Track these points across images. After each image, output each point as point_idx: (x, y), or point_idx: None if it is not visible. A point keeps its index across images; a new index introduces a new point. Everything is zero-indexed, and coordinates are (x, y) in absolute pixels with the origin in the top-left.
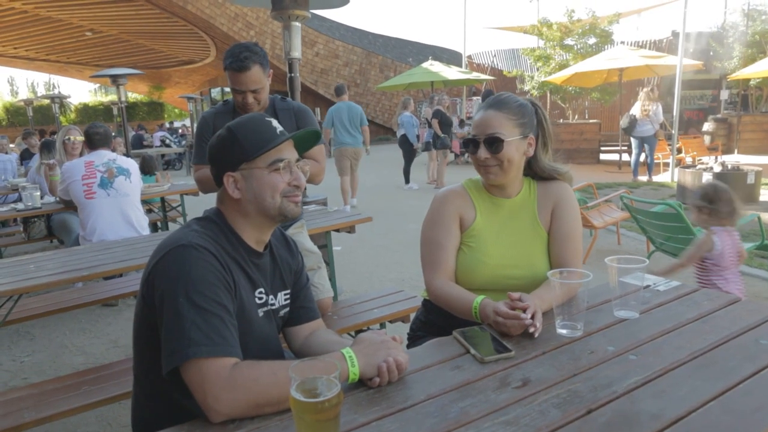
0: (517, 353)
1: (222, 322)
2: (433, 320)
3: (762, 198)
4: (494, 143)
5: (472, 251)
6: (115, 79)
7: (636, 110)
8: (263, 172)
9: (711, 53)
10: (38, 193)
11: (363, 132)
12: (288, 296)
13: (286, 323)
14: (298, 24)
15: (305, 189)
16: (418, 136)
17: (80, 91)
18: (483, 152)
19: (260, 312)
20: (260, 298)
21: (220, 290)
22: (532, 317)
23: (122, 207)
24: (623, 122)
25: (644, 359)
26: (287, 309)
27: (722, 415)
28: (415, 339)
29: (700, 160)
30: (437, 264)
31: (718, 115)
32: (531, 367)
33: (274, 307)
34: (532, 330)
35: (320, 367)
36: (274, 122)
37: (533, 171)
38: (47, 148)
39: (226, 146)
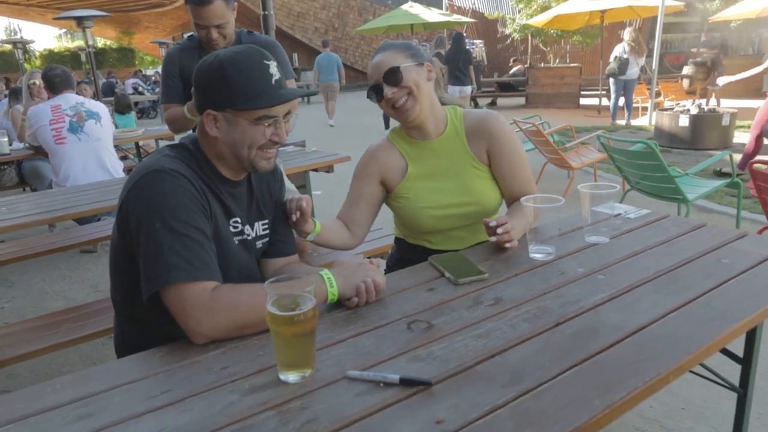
0: (490, 276)
1: (200, 246)
2: (407, 257)
3: (736, 140)
4: (392, 75)
5: (409, 201)
6: (80, 21)
7: (620, 51)
8: (246, 124)
9: None
10: (6, 139)
11: (339, 72)
12: (266, 226)
13: (262, 255)
14: None
15: None
16: None
17: (45, 37)
18: (388, 90)
19: (236, 240)
20: (235, 227)
21: (196, 215)
22: (499, 226)
23: (95, 151)
24: (612, 66)
25: (612, 278)
26: (266, 239)
27: (681, 324)
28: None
29: (678, 103)
30: (345, 219)
31: (698, 59)
32: (503, 288)
33: (249, 237)
34: (505, 240)
35: (296, 284)
36: (272, 66)
37: None
38: (16, 95)
39: (214, 82)
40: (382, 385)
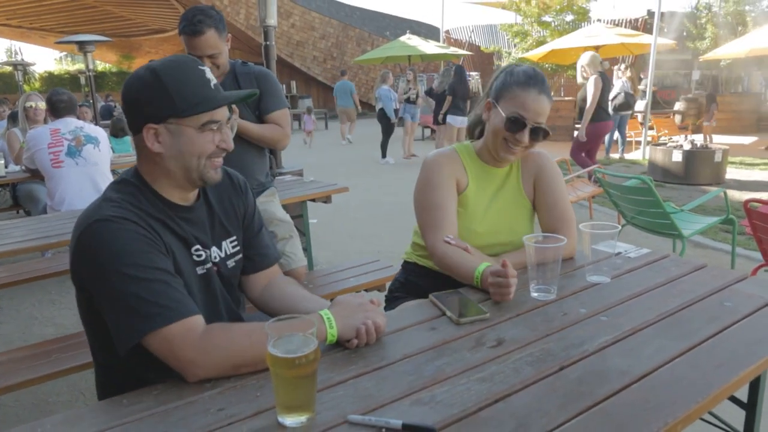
0: (492, 315)
1: (167, 285)
2: (413, 280)
3: (728, 176)
4: (541, 134)
5: (461, 219)
6: (82, 45)
7: (626, 86)
8: (193, 132)
9: (684, 33)
10: (2, 162)
11: (353, 97)
12: (235, 242)
13: (243, 272)
14: None
15: (281, 159)
16: (396, 111)
17: (45, 59)
18: (526, 137)
19: (199, 270)
20: (198, 256)
21: (153, 254)
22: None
23: (92, 176)
24: (624, 101)
25: (614, 320)
26: (238, 257)
27: (686, 370)
28: (393, 300)
29: (670, 138)
30: (440, 226)
31: (689, 95)
32: (505, 328)
33: (218, 259)
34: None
35: (297, 325)
36: (207, 72)
37: None
38: (14, 118)
39: (151, 94)
40: (384, 431)
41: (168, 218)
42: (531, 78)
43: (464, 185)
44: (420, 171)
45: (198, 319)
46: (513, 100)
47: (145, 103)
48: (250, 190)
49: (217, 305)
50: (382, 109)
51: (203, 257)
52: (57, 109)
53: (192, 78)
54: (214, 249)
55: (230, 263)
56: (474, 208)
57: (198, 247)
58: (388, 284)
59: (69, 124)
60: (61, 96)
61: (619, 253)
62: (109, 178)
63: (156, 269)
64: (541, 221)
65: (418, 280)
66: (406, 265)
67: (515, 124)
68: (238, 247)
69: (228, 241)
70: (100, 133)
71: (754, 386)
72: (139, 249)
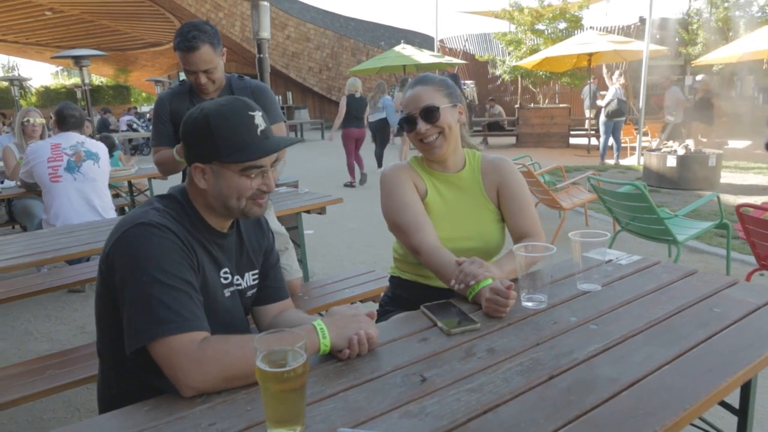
0: (482, 325)
1: (188, 297)
2: (400, 295)
3: (723, 180)
4: (431, 113)
5: None
6: (77, 60)
7: (619, 93)
8: (233, 175)
9: (676, 39)
10: None
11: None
12: (256, 276)
13: (254, 302)
14: (266, 3)
15: None
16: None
17: (41, 74)
18: (422, 125)
19: (226, 292)
20: (225, 278)
21: (183, 267)
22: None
23: (89, 191)
24: (616, 108)
25: (604, 328)
26: (255, 289)
27: (675, 377)
28: (383, 314)
29: (666, 143)
30: (421, 224)
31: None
32: (496, 338)
33: (240, 288)
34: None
35: (286, 338)
36: (258, 117)
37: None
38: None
39: (200, 136)
40: None
41: (204, 239)
42: (411, 81)
43: (423, 191)
44: (380, 185)
45: (205, 336)
46: (403, 106)
47: (194, 144)
48: (270, 229)
49: (235, 326)
50: (384, 119)
51: (229, 280)
52: (66, 122)
53: (239, 124)
54: (238, 277)
55: (249, 294)
56: (434, 213)
57: (226, 270)
58: (382, 294)
59: (71, 138)
60: (73, 111)
61: (610, 260)
62: (107, 195)
63: (183, 281)
64: (510, 227)
65: (404, 294)
66: (392, 279)
67: (407, 121)
68: (257, 281)
69: (250, 273)
70: (101, 149)
71: (745, 391)
72: (173, 258)
